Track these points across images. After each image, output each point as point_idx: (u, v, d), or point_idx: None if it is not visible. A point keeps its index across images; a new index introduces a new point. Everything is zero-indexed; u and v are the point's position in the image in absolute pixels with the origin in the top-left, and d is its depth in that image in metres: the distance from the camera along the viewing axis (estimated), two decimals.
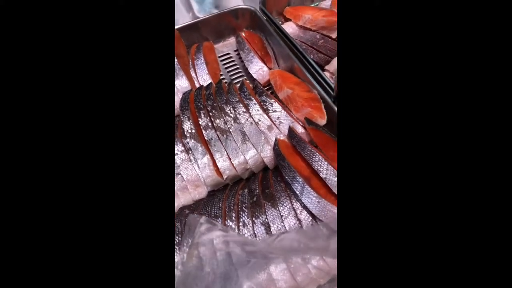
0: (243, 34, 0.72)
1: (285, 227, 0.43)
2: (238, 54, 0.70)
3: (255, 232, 0.43)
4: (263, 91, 0.56)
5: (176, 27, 0.66)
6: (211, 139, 0.49)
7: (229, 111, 0.52)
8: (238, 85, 0.58)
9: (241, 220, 0.44)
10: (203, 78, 0.62)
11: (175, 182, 0.47)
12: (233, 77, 0.68)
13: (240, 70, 0.69)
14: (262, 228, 0.43)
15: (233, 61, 0.71)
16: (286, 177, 0.45)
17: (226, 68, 0.70)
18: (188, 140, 0.48)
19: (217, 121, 0.51)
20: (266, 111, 0.54)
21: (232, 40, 0.74)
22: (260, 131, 0.51)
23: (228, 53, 0.72)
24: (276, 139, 0.50)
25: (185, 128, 0.49)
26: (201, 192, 0.48)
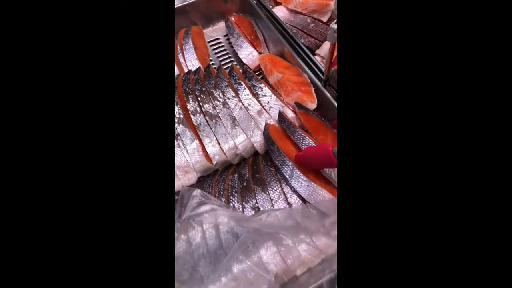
0: (233, 19, 0.70)
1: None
2: (228, 39, 0.68)
3: None
4: (253, 76, 0.56)
5: None
6: (200, 124, 0.48)
7: (218, 96, 0.51)
8: (228, 69, 0.57)
9: (231, 205, 0.43)
10: (192, 63, 0.61)
11: None
12: (222, 62, 0.66)
13: (230, 55, 0.67)
14: (252, 212, 0.43)
15: (222, 46, 0.69)
16: (276, 162, 0.45)
17: (216, 53, 0.68)
18: (176, 125, 0.47)
19: (206, 105, 0.50)
20: (256, 95, 0.53)
21: (221, 24, 0.72)
22: (250, 116, 0.50)
23: (218, 38, 0.70)
24: (266, 124, 0.49)
25: None
26: (191, 178, 0.48)
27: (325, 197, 0.42)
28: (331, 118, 0.51)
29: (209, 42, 0.70)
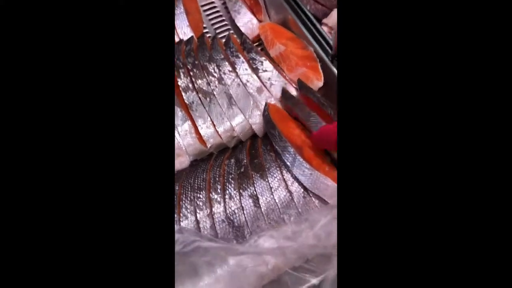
0: None
1: (274, 200, 0.39)
2: (224, 3, 0.61)
3: (243, 205, 0.39)
4: (252, 47, 0.50)
5: None
6: (192, 102, 0.43)
7: (212, 70, 0.45)
8: (224, 40, 0.51)
9: (227, 192, 0.40)
10: (183, 31, 0.54)
11: None
12: (217, 31, 0.60)
13: (226, 22, 0.60)
14: (250, 200, 0.39)
15: (218, 11, 0.62)
16: (276, 147, 0.41)
17: (210, 19, 0.61)
18: None
19: (199, 81, 0.44)
20: (255, 70, 0.47)
21: None
22: (248, 94, 0.45)
23: (212, 2, 0.63)
24: (266, 104, 0.44)
25: None
26: (183, 162, 0.44)
27: (328, 186, 0.39)
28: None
29: (202, 6, 0.62)
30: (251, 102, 0.45)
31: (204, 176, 0.42)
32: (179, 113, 0.42)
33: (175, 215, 0.39)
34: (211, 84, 0.44)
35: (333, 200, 0.39)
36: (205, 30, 0.59)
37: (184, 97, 0.43)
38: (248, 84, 0.46)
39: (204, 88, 0.44)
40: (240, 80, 0.45)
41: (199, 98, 0.44)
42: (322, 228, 0.38)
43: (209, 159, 0.44)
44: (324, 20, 0.56)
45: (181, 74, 0.44)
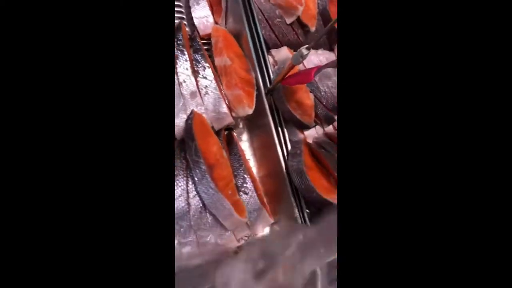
0: None
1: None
2: None
3: None
4: (200, 48, 0.48)
5: None
6: None
7: None
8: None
9: None
10: None
11: None
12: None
13: (181, 7, 0.56)
14: None
15: None
16: (189, 159, 0.41)
17: None
18: None
19: None
20: (195, 72, 0.46)
21: None
22: (181, 94, 0.44)
23: None
24: (192, 111, 0.44)
25: None
26: None
27: (226, 208, 0.42)
28: (259, 126, 0.50)
29: None
30: (181, 104, 0.44)
31: None
32: None
33: None
34: None
35: (226, 222, 0.42)
36: None
37: None
38: (183, 84, 0.44)
39: None
40: (178, 78, 0.43)
41: None
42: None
43: None
44: (272, 51, 0.59)
45: None
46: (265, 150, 0.53)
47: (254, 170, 0.55)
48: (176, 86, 0.43)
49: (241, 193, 0.45)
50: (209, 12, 0.55)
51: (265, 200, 0.51)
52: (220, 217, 0.42)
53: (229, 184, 0.44)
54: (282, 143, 0.49)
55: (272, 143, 0.49)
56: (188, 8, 0.55)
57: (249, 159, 0.56)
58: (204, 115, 0.46)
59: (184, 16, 0.56)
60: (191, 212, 0.41)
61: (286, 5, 0.60)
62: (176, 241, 0.40)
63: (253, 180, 0.48)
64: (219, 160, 0.44)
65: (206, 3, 0.55)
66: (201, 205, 0.42)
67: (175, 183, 0.40)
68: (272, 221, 0.48)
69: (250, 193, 0.46)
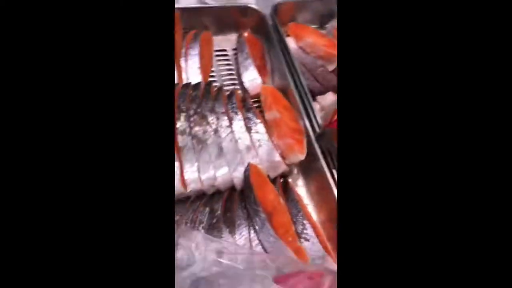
0: (246, 35, 0.68)
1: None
2: (236, 54, 0.66)
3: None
4: (251, 107, 0.54)
5: (176, 6, 0.60)
6: (185, 146, 0.46)
7: (211, 121, 0.49)
8: (228, 93, 0.55)
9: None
10: (193, 71, 0.58)
11: None
12: (223, 77, 0.64)
13: (233, 72, 0.65)
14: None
15: (228, 59, 0.67)
16: (249, 209, 0.44)
17: (220, 65, 0.66)
18: None
19: (196, 128, 0.48)
20: (248, 129, 0.51)
21: (232, 37, 0.69)
22: (238, 150, 0.49)
23: (225, 50, 0.68)
24: (248, 164, 0.48)
25: None
26: None
27: (288, 257, 0.42)
28: (313, 170, 0.51)
29: (215, 51, 0.67)
30: (238, 158, 0.48)
31: (176, 219, 0.43)
32: None
33: None
34: (206, 133, 0.48)
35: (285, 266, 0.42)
36: (212, 73, 0.63)
37: (179, 139, 0.46)
38: (239, 141, 0.49)
39: (199, 135, 0.47)
40: (234, 136, 0.49)
41: (192, 143, 0.46)
42: None
43: (185, 202, 0.46)
44: (318, 98, 0.63)
45: (182, 117, 0.47)
46: (322, 194, 0.53)
47: (314, 215, 0.55)
48: (233, 143, 0.49)
49: (302, 239, 0.45)
50: (257, 75, 0.62)
51: (329, 246, 0.50)
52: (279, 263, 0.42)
53: (289, 231, 0.44)
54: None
55: (328, 186, 0.49)
56: (238, 73, 0.63)
57: (307, 204, 0.56)
58: (259, 165, 0.50)
59: (236, 80, 0.64)
60: (255, 261, 0.43)
61: (326, 55, 0.64)
62: None
63: (314, 226, 0.48)
64: (276, 207, 0.45)
65: (254, 67, 0.62)
66: (265, 253, 0.43)
67: (238, 233, 0.43)
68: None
69: (311, 239, 0.46)
